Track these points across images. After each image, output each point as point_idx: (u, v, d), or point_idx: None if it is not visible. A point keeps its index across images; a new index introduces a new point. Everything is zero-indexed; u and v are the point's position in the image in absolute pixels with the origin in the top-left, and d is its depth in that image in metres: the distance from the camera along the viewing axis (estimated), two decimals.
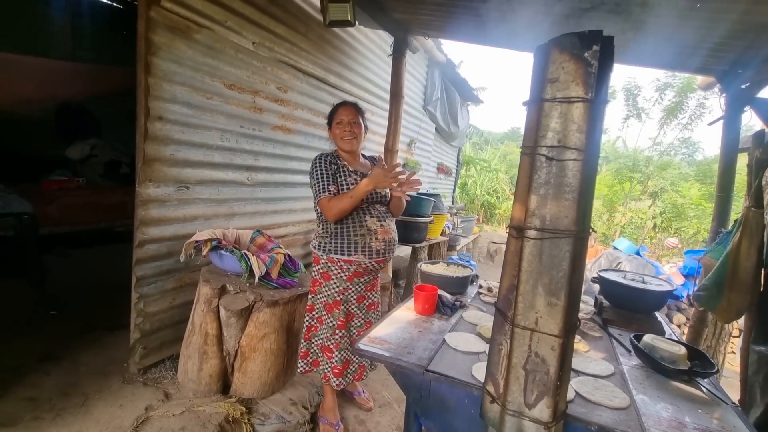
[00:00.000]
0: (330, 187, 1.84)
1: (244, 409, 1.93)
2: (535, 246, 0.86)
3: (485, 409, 1.00)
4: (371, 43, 3.82)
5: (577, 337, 1.49)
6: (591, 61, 0.76)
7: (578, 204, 0.81)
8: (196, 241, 2.03)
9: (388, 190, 2.00)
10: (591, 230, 0.88)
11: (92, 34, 4.96)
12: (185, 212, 2.20)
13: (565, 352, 0.88)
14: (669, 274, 5.02)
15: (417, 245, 3.85)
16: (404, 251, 4.78)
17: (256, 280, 2.01)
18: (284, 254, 2.21)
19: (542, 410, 0.89)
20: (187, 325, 2.08)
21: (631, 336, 1.38)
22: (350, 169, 1.93)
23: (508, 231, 0.94)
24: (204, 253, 2.02)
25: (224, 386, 2.05)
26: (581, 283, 0.90)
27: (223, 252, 2.04)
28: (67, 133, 4.78)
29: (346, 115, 1.95)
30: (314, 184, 1.87)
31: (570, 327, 0.88)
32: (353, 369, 2.03)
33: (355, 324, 2.02)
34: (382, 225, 1.93)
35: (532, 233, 0.86)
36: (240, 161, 2.51)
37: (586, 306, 1.86)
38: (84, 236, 4.07)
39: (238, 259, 2.02)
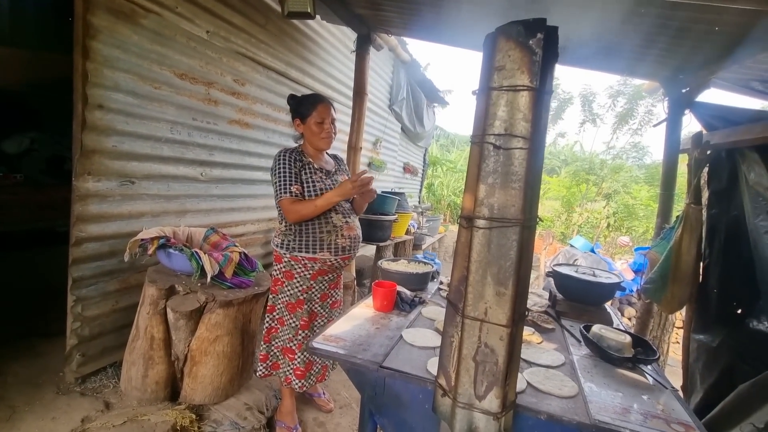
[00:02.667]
0: (292, 187, 1.77)
1: (194, 416, 1.82)
2: (484, 235, 0.86)
3: (437, 403, 0.98)
4: (334, 39, 3.77)
5: (531, 330, 1.52)
6: (536, 49, 0.77)
7: (525, 193, 0.81)
8: (142, 240, 1.90)
9: None
10: (538, 220, 0.88)
11: (32, 18, 4.59)
12: (130, 208, 2.06)
13: (514, 342, 0.88)
14: (620, 269, 5.30)
15: (381, 244, 3.83)
16: (369, 251, 4.75)
17: (209, 279, 1.90)
18: (240, 253, 2.12)
19: (492, 401, 0.89)
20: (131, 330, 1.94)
21: (581, 327, 1.42)
22: (315, 166, 1.88)
23: (459, 222, 0.93)
24: (150, 251, 1.89)
25: (173, 393, 1.93)
26: (529, 272, 0.90)
27: (171, 250, 1.93)
28: (2, 124, 4.39)
29: (329, 115, 1.89)
30: (276, 182, 1.80)
31: (518, 316, 0.88)
32: (316, 371, 1.97)
33: (319, 323, 1.97)
34: (347, 222, 1.89)
35: (480, 222, 0.85)
36: (193, 156, 2.38)
37: (541, 299, 1.90)
38: (22, 236, 3.75)
39: (189, 257, 1.91)
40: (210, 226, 2.34)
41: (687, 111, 2.40)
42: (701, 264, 2.04)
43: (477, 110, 0.87)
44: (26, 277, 3.10)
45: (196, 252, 1.93)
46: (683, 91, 2.42)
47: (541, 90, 0.78)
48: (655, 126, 2.69)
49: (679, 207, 2.37)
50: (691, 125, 2.45)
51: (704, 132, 2.13)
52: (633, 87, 9.88)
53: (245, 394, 2.06)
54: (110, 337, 2.06)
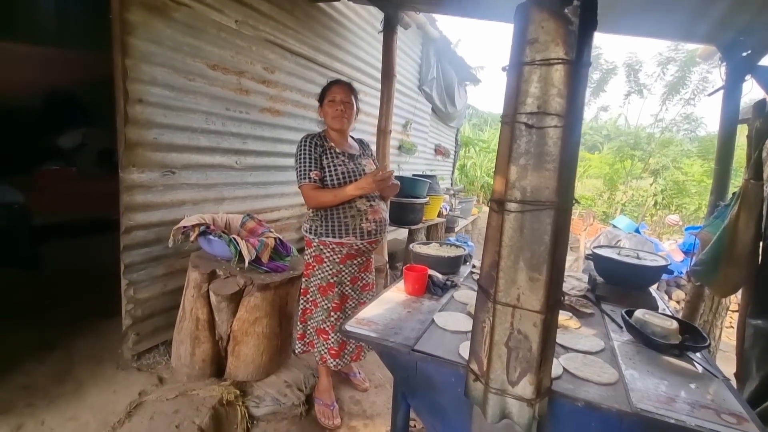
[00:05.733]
0: (312, 173, 1.81)
1: (238, 392, 1.94)
2: (516, 219, 0.83)
3: (469, 387, 0.98)
4: (361, 20, 3.70)
5: (568, 314, 1.47)
6: (572, 18, 0.71)
7: (560, 174, 0.77)
8: (184, 227, 2.00)
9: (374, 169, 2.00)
10: (575, 202, 0.84)
11: (77, 18, 4.83)
12: (172, 197, 2.16)
13: (548, 329, 0.86)
14: (669, 250, 5.00)
15: (413, 227, 3.82)
16: (401, 234, 4.76)
17: (246, 264, 1.98)
18: (275, 238, 2.18)
19: (525, 387, 0.88)
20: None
21: (623, 311, 1.36)
22: (337, 150, 1.89)
23: (489, 205, 0.90)
24: (192, 238, 1.99)
25: (218, 370, 2.06)
26: (564, 257, 0.86)
27: (211, 237, 2.02)
28: (57, 121, 4.72)
29: (338, 94, 1.91)
30: (297, 168, 1.86)
31: (553, 303, 0.85)
32: (350, 350, 2.03)
33: (350, 305, 2.01)
34: (371, 205, 1.91)
35: (512, 206, 0.82)
36: (227, 145, 2.46)
37: (580, 283, 1.83)
38: (79, 225, 4.06)
39: (227, 243, 1.99)
40: (246, 212, 2.41)
41: (748, 77, 2.17)
42: (761, 244, 1.88)
43: (507, 87, 0.83)
44: (84, 263, 3.37)
45: (234, 238, 2.01)
46: (744, 54, 2.19)
47: (577, 63, 0.73)
48: (710, 95, 2.46)
49: (736, 183, 2.17)
50: (751, 92, 2.22)
51: None
52: (686, 53, 9.03)
53: (285, 373, 2.15)
54: (160, 317, 2.21)
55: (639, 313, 1.32)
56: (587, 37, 0.74)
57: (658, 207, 9.08)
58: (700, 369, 1.16)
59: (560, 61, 0.73)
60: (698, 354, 1.23)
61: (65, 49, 4.30)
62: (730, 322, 4.24)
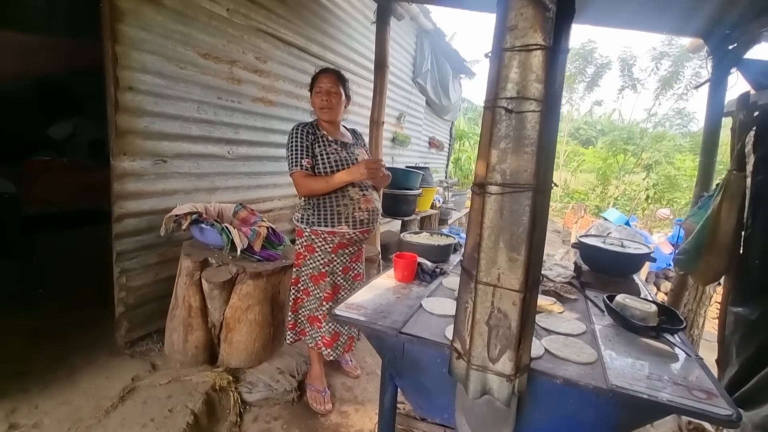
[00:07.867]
0: (303, 161, 1.82)
1: (230, 378, 1.96)
2: (496, 201, 0.85)
3: (452, 365, 1.02)
4: (354, 11, 3.69)
5: (553, 300, 1.51)
6: (549, 5, 0.73)
7: (538, 157, 0.80)
8: (176, 215, 2.01)
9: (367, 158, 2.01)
10: (554, 185, 0.87)
11: (67, 5, 4.76)
12: (164, 186, 2.17)
13: (527, 307, 0.89)
14: (658, 243, 5.08)
15: (406, 218, 3.85)
16: (395, 226, 4.79)
17: (239, 252, 2.00)
18: (267, 227, 2.20)
19: (505, 364, 0.91)
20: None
21: (604, 296, 1.40)
22: (330, 138, 1.90)
23: (472, 189, 0.93)
24: (184, 226, 2.01)
25: (211, 357, 2.08)
26: (543, 238, 0.89)
27: (203, 225, 2.03)
28: (48, 111, 4.67)
29: (324, 83, 1.89)
30: (288, 156, 1.85)
31: (532, 282, 0.88)
32: (343, 341, 2.05)
33: (342, 296, 2.03)
34: (364, 194, 1.91)
35: (493, 189, 0.85)
36: (219, 134, 2.46)
37: (566, 271, 1.87)
38: (71, 216, 4.04)
39: (219, 232, 2.01)
40: (239, 202, 2.43)
41: (733, 70, 2.21)
42: (742, 234, 1.93)
43: (490, 73, 0.85)
44: (76, 252, 3.37)
45: (226, 227, 2.03)
46: (730, 47, 2.22)
47: (555, 49, 0.75)
48: (696, 88, 2.50)
49: (722, 176, 2.22)
50: (737, 86, 2.26)
51: (752, 92, 1.96)
52: (679, 48, 9.10)
53: (277, 360, 2.18)
54: (153, 305, 2.23)
55: (620, 298, 1.36)
56: (565, 24, 0.76)
57: (649, 201, 9.18)
58: (675, 349, 1.20)
59: (538, 47, 0.75)
60: (676, 336, 1.27)
61: (55, 37, 4.24)
62: (717, 314, 4.31)
